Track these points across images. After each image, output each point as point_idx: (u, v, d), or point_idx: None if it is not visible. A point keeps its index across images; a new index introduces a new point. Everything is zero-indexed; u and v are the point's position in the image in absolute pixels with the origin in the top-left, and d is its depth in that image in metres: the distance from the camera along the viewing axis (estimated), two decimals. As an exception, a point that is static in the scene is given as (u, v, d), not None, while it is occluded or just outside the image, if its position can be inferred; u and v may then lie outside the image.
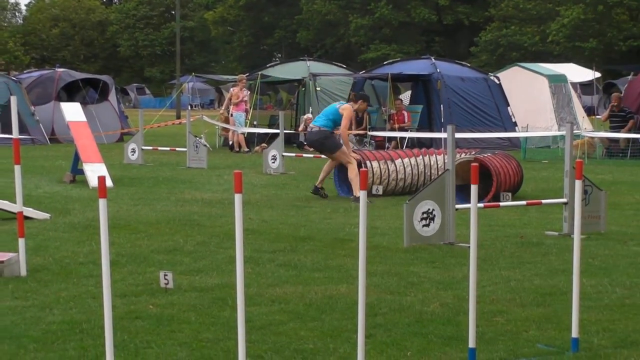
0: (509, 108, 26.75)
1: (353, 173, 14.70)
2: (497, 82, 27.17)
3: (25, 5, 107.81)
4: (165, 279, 8.08)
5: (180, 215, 12.87)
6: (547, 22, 63.28)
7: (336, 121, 14.92)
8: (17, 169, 8.75)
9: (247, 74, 31.06)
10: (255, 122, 29.20)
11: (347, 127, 14.98)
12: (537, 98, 27.96)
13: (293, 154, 20.46)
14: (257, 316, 7.20)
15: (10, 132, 9.92)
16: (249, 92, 27.46)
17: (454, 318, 7.21)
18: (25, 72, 43.04)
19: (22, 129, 25.70)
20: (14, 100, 8.92)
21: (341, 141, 14.90)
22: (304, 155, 21.83)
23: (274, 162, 19.92)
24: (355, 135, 24.56)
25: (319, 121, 15.14)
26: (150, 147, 23.03)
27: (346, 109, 14.87)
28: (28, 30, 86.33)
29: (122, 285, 8.27)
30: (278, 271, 9.02)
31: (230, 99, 27.04)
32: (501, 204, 12.05)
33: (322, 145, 15.02)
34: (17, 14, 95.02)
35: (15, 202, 9.15)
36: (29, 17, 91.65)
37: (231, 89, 27.63)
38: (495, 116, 26.47)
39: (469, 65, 30.82)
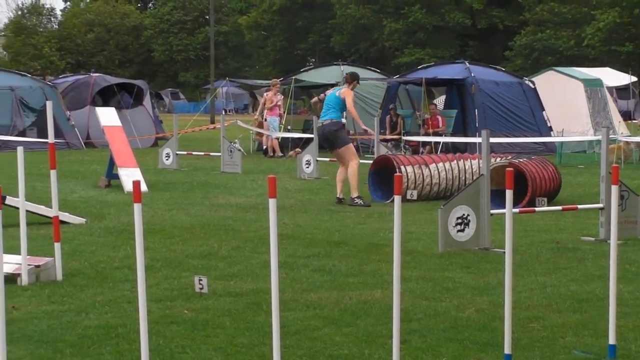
0: (544, 112, 26.59)
1: (352, 171, 14.85)
2: (532, 87, 27.02)
3: (61, 10, 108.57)
4: (200, 283, 8.09)
5: (215, 220, 12.90)
6: (582, 26, 62.82)
7: (342, 108, 15.15)
8: (53, 173, 8.80)
9: (281, 79, 31.08)
10: (289, 127, 29.23)
11: (353, 106, 15.20)
12: (572, 102, 27.77)
13: (327, 159, 20.43)
14: (292, 321, 7.20)
15: (46, 137, 9.96)
16: (282, 97, 27.49)
17: (490, 324, 7.17)
18: (60, 77, 43.32)
19: (58, 134, 25.84)
20: (49, 105, 8.97)
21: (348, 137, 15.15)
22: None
23: (308, 167, 19.93)
24: (390, 140, 24.50)
25: (327, 115, 15.20)
26: (185, 152, 23.14)
27: (346, 92, 15.12)
28: (63, 36, 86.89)
29: (157, 290, 8.29)
30: (312, 276, 9.01)
31: (264, 104, 27.09)
32: (537, 209, 12.00)
33: (334, 136, 15.08)
34: (52, 19, 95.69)
35: (51, 207, 9.19)
36: (64, 22, 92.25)
37: (265, 94, 27.67)
38: (531, 121, 26.32)
39: (503, 69, 30.70)
